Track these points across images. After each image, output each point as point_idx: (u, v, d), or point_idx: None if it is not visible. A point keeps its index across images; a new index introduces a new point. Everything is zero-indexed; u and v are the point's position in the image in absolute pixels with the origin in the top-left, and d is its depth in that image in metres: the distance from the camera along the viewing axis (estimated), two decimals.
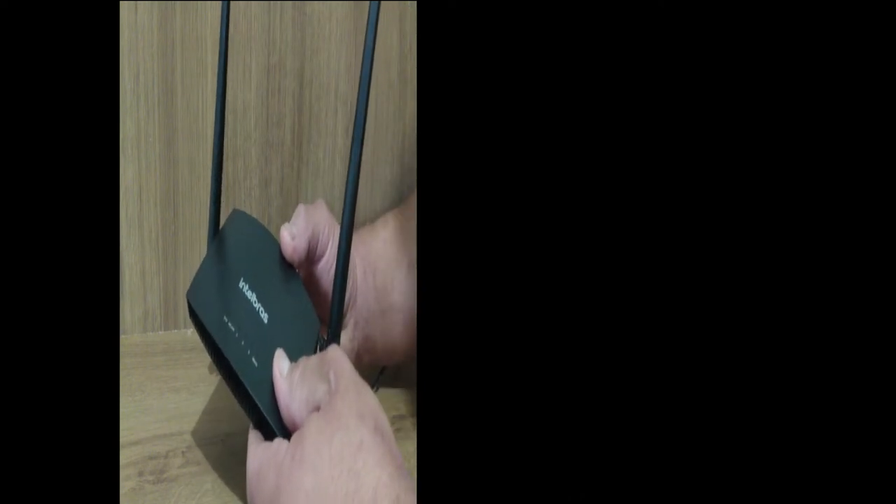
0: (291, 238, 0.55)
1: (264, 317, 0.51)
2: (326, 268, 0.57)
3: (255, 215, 0.61)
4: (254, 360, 0.48)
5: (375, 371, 0.64)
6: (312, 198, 0.59)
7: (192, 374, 0.63)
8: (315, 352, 0.52)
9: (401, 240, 0.61)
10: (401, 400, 0.63)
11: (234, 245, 0.55)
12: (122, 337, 0.67)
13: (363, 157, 0.49)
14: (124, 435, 0.55)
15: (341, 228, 0.50)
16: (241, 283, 0.52)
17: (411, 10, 0.72)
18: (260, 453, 0.46)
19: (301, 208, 0.57)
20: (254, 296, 0.52)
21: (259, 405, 0.47)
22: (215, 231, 0.54)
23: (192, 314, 0.49)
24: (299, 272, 0.57)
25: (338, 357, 0.47)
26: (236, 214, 0.58)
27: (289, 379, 0.47)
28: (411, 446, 0.54)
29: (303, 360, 0.48)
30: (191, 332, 0.67)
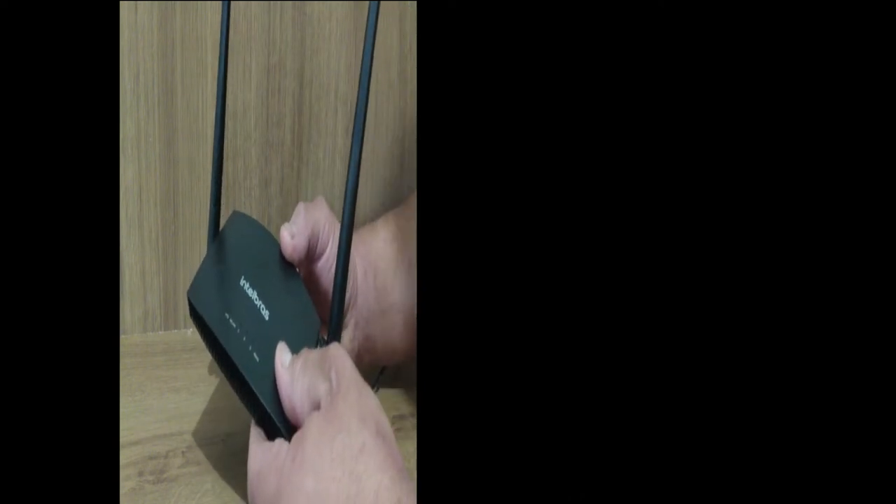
0: (291, 237, 0.55)
1: (265, 313, 0.51)
2: (326, 266, 0.57)
3: (255, 215, 0.61)
4: (255, 355, 0.48)
5: (375, 371, 0.64)
6: (312, 198, 0.59)
7: (192, 374, 0.63)
8: None
9: (401, 239, 0.61)
10: (401, 400, 0.63)
11: (235, 245, 0.55)
12: (122, 337, 0.67)
13: (363, 157, 0.49)
14: (124, 435, 0.55)
15: (341, 228, 0.50)
16: (242, 282, 0.52)
17: (411, 10, 0.72)
18: (261, 454, 0.46)
19: (301, 207, 0.57)
20: (255, 293, 0.52)
21: (260, 399, 0.47)
22: (215, 232, 0.55)
23: (193, 312, 0.49)
24: (299, 271, 0.57)
25: (339, 355, 0.47)
26: (236, 216, 0.58)
27: (290, 369, 0.47)
28: (411, 446, 0.54)
29: (304, 352, 0.48)
30: (191, 332, 0.67)
